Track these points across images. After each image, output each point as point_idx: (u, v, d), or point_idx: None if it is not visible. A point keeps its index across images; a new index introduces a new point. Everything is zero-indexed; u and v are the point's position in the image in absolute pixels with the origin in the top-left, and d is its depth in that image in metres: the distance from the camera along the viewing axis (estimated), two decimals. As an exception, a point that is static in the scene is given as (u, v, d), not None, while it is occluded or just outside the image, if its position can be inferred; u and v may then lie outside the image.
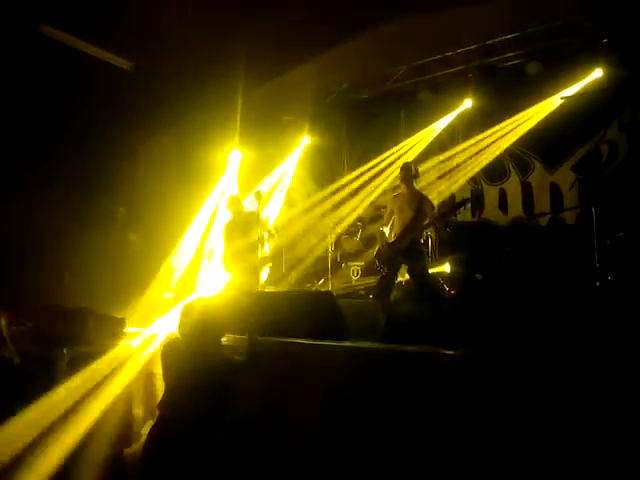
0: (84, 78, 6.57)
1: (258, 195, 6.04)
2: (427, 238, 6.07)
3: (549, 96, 6.73)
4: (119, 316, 4.77)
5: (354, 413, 3.35)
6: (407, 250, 4.73)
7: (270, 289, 5.82)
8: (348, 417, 3.37)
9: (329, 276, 6.99)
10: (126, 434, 4.79)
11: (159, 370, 4.78)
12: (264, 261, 5.78)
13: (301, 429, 3.55)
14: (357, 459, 3.28)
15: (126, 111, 6.91)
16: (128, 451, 4.56)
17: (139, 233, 6.74)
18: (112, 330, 3.46)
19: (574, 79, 6.56)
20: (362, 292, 6.33)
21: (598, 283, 5.09)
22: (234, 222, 5.82)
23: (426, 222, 4.83)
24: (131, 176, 7.31)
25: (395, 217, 4.94)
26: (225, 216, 6.17)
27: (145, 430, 4.65)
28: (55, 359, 3.71)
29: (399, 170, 5.01)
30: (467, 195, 6.98)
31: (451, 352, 3.27)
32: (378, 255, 4.87)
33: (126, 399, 4.70)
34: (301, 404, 3.52)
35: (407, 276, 5.08)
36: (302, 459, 3.52)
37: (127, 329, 4.72)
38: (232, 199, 6.08)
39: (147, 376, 4.64)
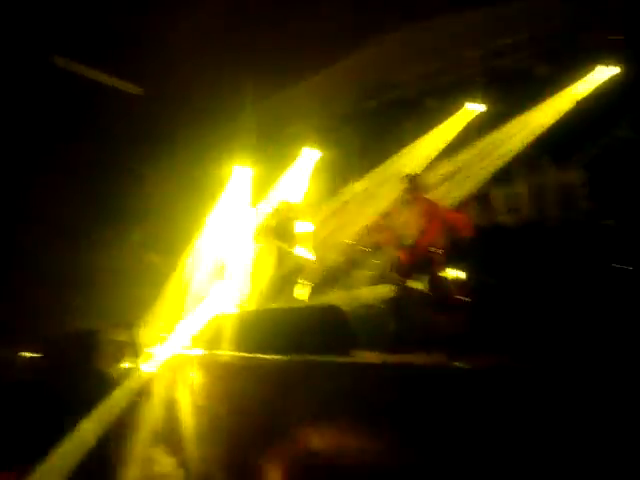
0: (95, 103, 6.71)
1: (285, 205, 6.09)
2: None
3: (559, 96, 6.66)
4: (129, 334, 4.78)
5: (363, 428, 3.29)
6: (424, 258, 4.72)
7: (276, 305, 5.81)
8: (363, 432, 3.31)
9: (336, 285, 6.90)
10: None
11: (181, 396, 4.05)
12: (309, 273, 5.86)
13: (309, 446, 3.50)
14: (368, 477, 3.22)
15: (134, 132, 7.02)
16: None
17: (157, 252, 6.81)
18: (120, 353, 3.45)
19: (584, 78, 6.48)
20: (370, 301, 6.24)
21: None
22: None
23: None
24: (140, 196, 7.37)
25: (409, 226, 4.91)
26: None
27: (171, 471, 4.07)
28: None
29: (405, 182, 5.00)
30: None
31: (463, 365, 3.19)
32: (395, 264, 4.85)
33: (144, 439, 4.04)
34: (306, 421, 3.47)
35: (419, 284, 5.03)
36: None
37: (143, 349, 4.68)
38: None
39: (167, 404, 4.02)
